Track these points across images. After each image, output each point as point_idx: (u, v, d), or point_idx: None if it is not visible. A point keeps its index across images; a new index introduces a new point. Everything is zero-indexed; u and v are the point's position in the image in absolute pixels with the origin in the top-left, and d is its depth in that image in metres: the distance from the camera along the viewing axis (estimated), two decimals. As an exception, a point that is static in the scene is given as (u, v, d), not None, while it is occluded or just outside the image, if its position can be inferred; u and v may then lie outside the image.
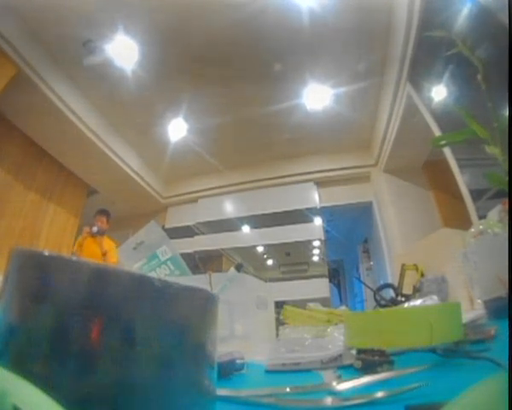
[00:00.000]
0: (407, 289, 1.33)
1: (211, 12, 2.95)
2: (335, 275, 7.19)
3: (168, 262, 0.60)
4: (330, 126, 4.05)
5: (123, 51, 3.36)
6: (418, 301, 0.97)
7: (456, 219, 3.08)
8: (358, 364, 0.49)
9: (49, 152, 4.26)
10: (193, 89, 3.74)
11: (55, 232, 4.41)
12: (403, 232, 3.85)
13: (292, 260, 5.10)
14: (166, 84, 3.69)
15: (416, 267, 1.46)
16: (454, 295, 1.38)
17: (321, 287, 4.21)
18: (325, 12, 2.88)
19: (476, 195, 2.46)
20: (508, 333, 0.29)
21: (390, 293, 1.36)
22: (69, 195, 4.68)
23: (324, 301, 4.15)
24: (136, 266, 0.62)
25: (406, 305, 1.00)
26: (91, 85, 3.71)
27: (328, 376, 0.51)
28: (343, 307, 1.20)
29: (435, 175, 3.82)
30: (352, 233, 5.68)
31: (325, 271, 4.52)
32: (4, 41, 3.01)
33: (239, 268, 0.66)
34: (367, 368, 0.47)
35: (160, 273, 0.61)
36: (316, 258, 4.98)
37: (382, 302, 1.13)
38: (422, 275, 1.42)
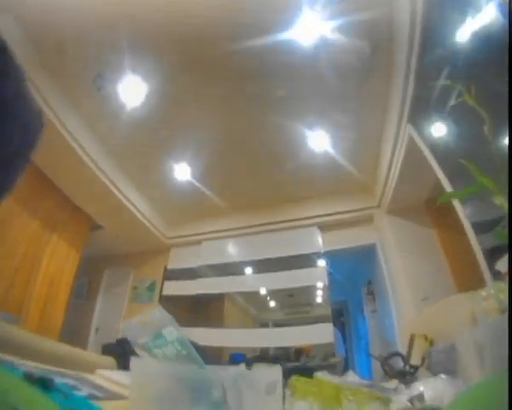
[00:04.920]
0: (416, 359, 1.28)
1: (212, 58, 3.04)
2: (339, 317, 7.07)
3: (175, 343, 0.58)
4: (332, 169, 4.10)
5: (132, 90, 3.45)
6: (430, 383, 0.93)
7: (460, 253, 3.07)
8: None
9: (56, 184, 4.30)
10: (199, 133, 3.82)
11: (55, 262, 4.39)
12: (408, 273, 3.80)
13: (295, 301, 5.04)
14: (172, 126, 3.77)
15: (425, 337, 1.41)
16: (464, 365, 1.32)
17: (325, 332, 4.11)
18: (323, 54, 2.96)
19: (478, 228, 2.43)
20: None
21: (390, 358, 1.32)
22: (73, 227, 4.69)
23: (329, 347, 4.05)
24: (140, 342, 0.60)
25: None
26: (100, 122, 3.82)
27: None
28: (351, 376, 1.14)
29: (437, 212, 3.81)
30: (356, 274, 5.63)
31: (328, 312, 4.44)
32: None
33: (249, 364, 0.65)
34: None
35: (167, 351, 0.58)
36: (319, 299, 4.91)
37: (391, 373, 1.08)
38: (431, 344, 1.37)
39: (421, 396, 0.86)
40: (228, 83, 3.27)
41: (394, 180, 3.85)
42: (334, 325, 4.35)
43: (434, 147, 2.88)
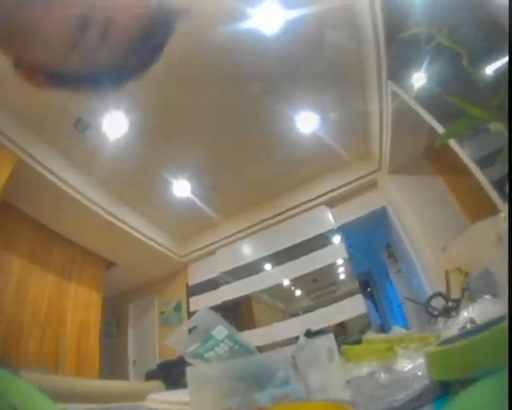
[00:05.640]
0: (455, 293, 1.28)
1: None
2: (366, 287, 7.06)
3: (226, 340, 0.58)
4: (326, 146, 4.08)
5: (113, 124, 3.48)
6: (476, 307, 0.93)
7: (469, 192, 3.07)
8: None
9: (62, 234, 4.34)
10: (185, 146, 3.82)
11: (80, 310, 4.42)
12: (423, 226, 3.79)
13: (319, 284, 5.02)
14: (160, 148, 3.79)
15: (459, 270, 1.42)
16: (502, 284, 1.33)
17: (356, 305, 4.11)
18: (290, 36, 2.96)
19: (482, 163, 2.43)
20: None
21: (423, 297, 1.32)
22: (88, 271, 4.73)
23: (363, 319, 4.05)
24: (190, 350, 0.60)
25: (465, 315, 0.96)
26: (91, 163, 3.82)
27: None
28: (398, 330, 1.15)
29: (439, 158, 3.79)
30: (374, 242, 5.61)
31: (355, 286, 4.43)
32: (3, 136, 3.12)
33: (309, 334, 0.65)
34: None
35: (219, 351, 0.59)
36: (343, 276, 4.91)
37: (435, 313, 1.09)
38: (466, 275, 1.38)
39: (472, 320, 0.86)
40: (209, 86, 3.26)
41: (388, 140, 3.83)
42: (364, 296, 4.34)
43: (419, 97, 2.85)
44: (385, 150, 4.09)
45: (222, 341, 0.57)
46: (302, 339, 0.68)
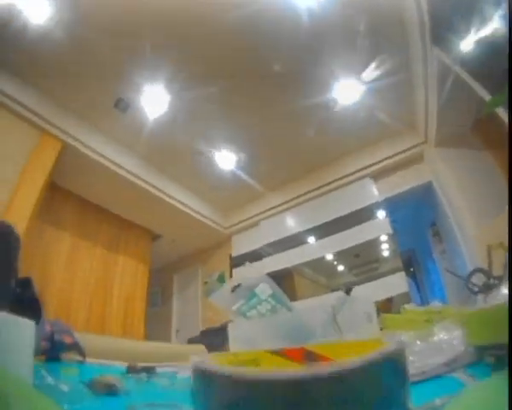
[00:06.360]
0: (497, 270, 1.24)
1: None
2: (409, 267, 6.90)
3: (269, 299, 0.60)
4: (370, 117, 3.95)
5: (153, 100, 3.55)
6: None
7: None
8: (491, 360, 0.47)
9: (106, 208, 4.54)
10: (227, 117, 3.84)
11: (127, 281, 4.66)
12: (469, 202, 3.61)
13: (362, 260, 4.96)
14: (201, 120, 3.82)
15: (502, 245, 1.37)
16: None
17: (398, 282, 4.03)
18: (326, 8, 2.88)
19: None
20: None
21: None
22: (134, 243, 4.95)
23: (403, 298, 3.99)
24: (234, 308, 0.63)
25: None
26: (134, 140, 3.97)
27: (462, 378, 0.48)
28: (436, 303, 1.15)
29: (487, 132, 3.57)
30: (419, 219, 5.43)
31: (397, 264, 4.34)
32: (46, 122, 3.29)
33: (348, 291, 0.67)
34: (500, 363, 0.45)
35: (261, 309, 0.61)
36: (386, 253, 4.82)
37: (476, 289, 1.07)
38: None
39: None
40: (252, 55, 3.25)
41: (435, 110, 3.61)
42: (406, 275, 4.26)
43: (467, 63, 2.65)
44: (431, 123, 3.88)
45: (265, 299, 0.59)
46: (342, 295, 0.69)
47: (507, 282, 0.90)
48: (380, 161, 4.54)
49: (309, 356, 0.29)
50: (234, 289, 0.62)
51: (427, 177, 4.35)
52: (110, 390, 0.62)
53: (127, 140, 3.99)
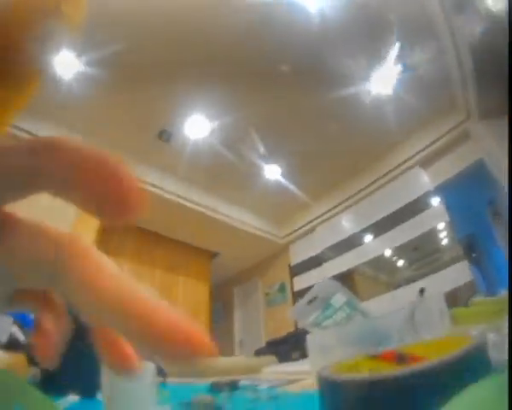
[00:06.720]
0: None
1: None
2: (470, 254, 6.59)
3: (344, 307, 0.65)
4: (407, 104, 3.82)
5: (196, 126, 3.75)
6: None
7: None
8: None
9: (163, 234, 4.74)
10: (268, 130, 3.91)
11: (189, 300, 4.85)
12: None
13: (421, 253, 4.80)
14: (243, 138, 3.93)
15: None
16: None
17: (461, 272, 3.86)
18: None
19: None
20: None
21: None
22: (194, 264, 5.14)
23: (468, 289, 3.84)
24: (310, 320, 0.68)
25: None
26: (180, 166, 4.16)
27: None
28: (504, 291, 1.14)
29: None
30: (476, 201, 5.13)
31: (459, 252, 4.19)
32: None
33: (422, 292, 0.70)
34: None
35: (337, 318, 0.66)
36: (444, 242, 4.66)
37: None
38: None
39: None
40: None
41: (472, 82, 3.44)
42: (469, 262, 4.10)
43: (499, 22, 2.45)
44: (470, 97, 3.69)
45: (340, 308, 0.63)
46: (417, 298, 0.71)
47: None
48: (425, 148, 4.38)
49: (400, 357, 0.34)
50: (310, 302, 0.66)
51: (477, 154, 4.11)
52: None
53: (174, 167, 4.19)
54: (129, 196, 0.14)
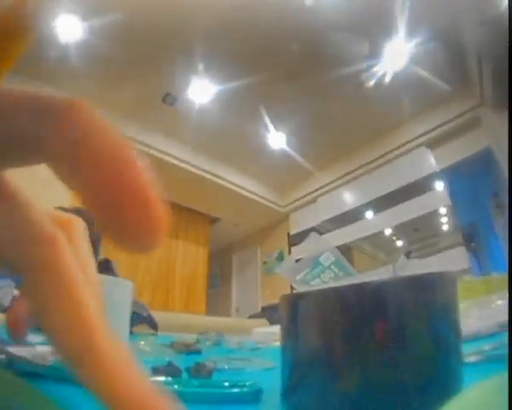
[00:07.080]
0: None
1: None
2: (470, 242, 6.58)
3: (332, 266, 0.65)
4: (420, 81, 3.69)
5: (200, 90, 3.70)
6: None
7: None
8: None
9: (165, 198, 4.76)
10: (274, 99, 3.85)
11: (188, 264, 4.92)
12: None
13: (421, 235, 4.81)
14: (249, 105, 3.88)
15: None
16: None
17: (458, 257, 3.87)
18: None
19: None
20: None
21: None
22: (193, 229, 5.17)
23: (465, 273, 3.83)
24: (298, 277, 0.69)
25: None
26: (184, 130, 4.14)
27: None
28: (495, 274, 1.14)
29: None
30: (480, 190, 5.12)
31: (458, 239, 4.18)
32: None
33: (408, 255, 0.70)
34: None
35: (325, 278, 0.66)
36: (445, 227, 4.65)
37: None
38: None
39: None
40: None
41: (488, 66, 3.32)
42: (467, 250, 4.10)
43: None
44: (486, 80, 3.55)
45: (328, 267, 0.63)
46: (403, 259, 0.71)
47: None
48: (434, 128, 4.27)
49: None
50: (299, 259, 0.67)
51: (487, 142, 4.02)
52: (190, 349, 0.72)
53: (177, 131, 4.17)
54: (158, 228, 0.11)
